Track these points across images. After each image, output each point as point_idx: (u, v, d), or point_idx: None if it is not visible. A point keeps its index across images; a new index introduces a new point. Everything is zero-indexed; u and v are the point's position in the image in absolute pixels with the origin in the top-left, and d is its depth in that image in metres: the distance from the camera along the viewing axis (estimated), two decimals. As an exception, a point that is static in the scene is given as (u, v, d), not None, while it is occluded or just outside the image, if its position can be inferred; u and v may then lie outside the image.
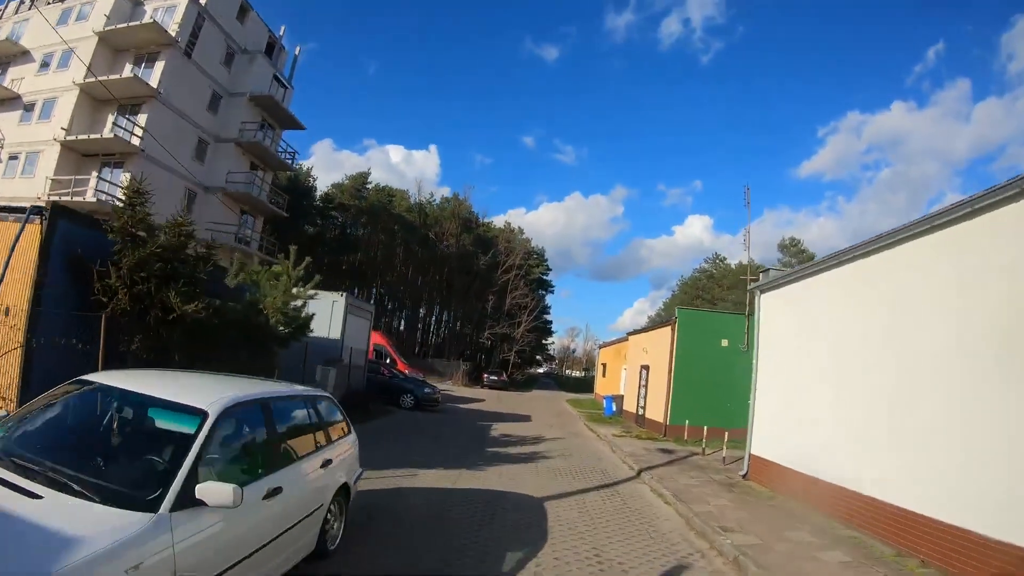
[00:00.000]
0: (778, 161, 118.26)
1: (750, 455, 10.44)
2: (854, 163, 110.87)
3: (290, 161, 31.84)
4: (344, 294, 14.49)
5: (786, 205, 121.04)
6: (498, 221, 60.07)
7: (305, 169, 52.08)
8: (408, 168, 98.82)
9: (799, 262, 61.45)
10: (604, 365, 36.23)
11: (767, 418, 10.31)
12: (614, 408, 23.80)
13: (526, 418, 20.50)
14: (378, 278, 52.47)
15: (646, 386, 19.59)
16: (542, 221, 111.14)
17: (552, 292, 67.29)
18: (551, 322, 68.21)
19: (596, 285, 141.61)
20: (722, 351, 16.70)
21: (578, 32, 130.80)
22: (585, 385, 60.07)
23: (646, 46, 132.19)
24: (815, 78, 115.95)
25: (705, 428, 13.71)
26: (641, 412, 19.79)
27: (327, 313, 14.25)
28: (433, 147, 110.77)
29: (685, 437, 15.19)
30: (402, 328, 56.76)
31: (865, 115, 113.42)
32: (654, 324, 23.50)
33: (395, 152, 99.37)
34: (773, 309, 10.70)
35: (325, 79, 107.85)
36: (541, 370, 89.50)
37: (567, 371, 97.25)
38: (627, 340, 25.98)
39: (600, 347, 41.26)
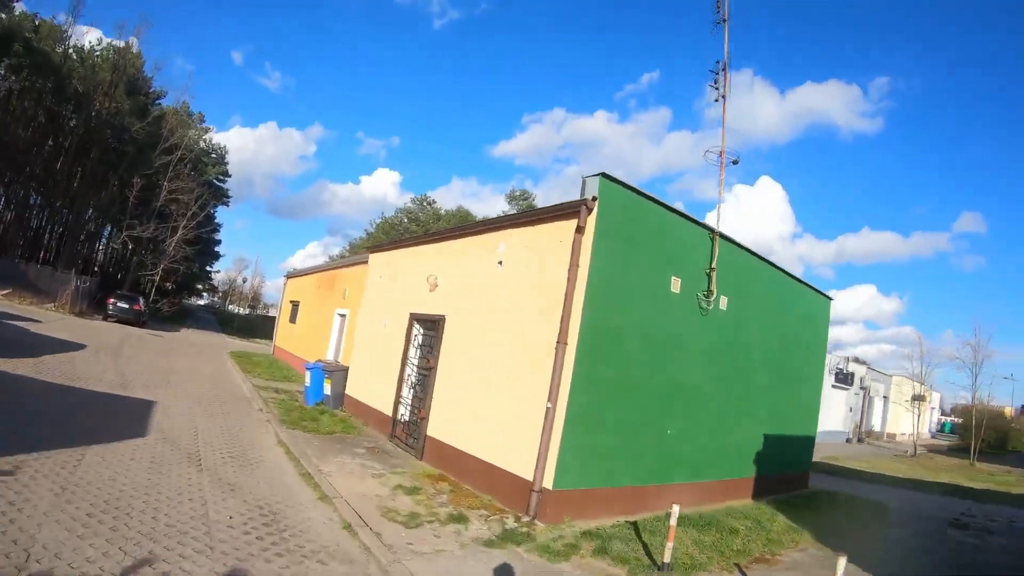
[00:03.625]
0: (477, 135, 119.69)
1: None
2: (548, 154, 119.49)
3: None
4: None
5: (475, 176, 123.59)
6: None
7: None
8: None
9: (531, 220, 57.03)
10: (295, 304, 22.76)
11: None
12: (326, 391, 11.88)
13: (139, 419, 6.73)
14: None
15: (433, 368, 8.37)
16: (231, 144, 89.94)
17: (227, 205, 48.29)
18: (220, 242, 49.02)
19: (272, 220, 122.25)
20: (670, 303, 6.85)
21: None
22: (254, 327, 44.05)
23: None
24: (533, 69, 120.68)
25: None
26: (415, 418, 8.55)
27: None
28: (133, 39, 74.93)
29: (607, 524, 4.61)
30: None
31: (570, 114, 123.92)
32: (493, 221, 9.31)
33: (92, 34, 62.25)
34: None
35: None
36: (201, 302, 69.73)
37: (231, 306, 77.37)
38: (364, 263, 13.94)
39: (288, 276, 26.82)
